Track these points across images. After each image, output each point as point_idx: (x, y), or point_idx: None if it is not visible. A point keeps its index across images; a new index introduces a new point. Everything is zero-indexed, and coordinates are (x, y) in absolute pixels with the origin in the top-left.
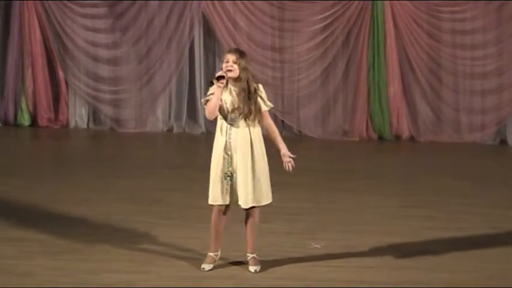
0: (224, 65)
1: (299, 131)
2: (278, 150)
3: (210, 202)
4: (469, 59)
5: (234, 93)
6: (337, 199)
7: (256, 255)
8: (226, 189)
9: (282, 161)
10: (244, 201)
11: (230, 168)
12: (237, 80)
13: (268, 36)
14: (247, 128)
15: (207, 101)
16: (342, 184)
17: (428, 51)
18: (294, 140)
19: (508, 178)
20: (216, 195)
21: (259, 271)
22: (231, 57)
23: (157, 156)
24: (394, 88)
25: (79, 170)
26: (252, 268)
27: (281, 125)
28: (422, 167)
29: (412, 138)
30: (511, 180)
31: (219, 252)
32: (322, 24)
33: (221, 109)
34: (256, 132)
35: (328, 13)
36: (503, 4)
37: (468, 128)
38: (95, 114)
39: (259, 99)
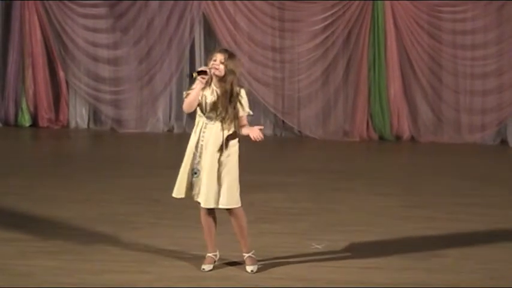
0: (211, 63)
1: (299, 131)
2: (247, 135)
3: (173, 195)
4: (470, 59)
5: (215, 93)
6: (338, 199)
7: (253, 254)
8: (193, 184)
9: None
10: (204, 200)
11: (198, 166)
12: (221, 80)
13: (269, 37)
14: (221, 131)
15: (188, 94)
16: (342, 184)
17: (429, 52)
18: (294, 140)
19: (508, 178)
20: (180, 188)
21: (258, 271)
22: (219, 57)
23: (157, 156)
24: (395, 88)
25: (79, 170)
26: (248, 268)
27: (282, 126)
28: (423, 167)
29: (412, 138)
30: (511, 180)
31: (217, 253)
32: (322, 25)
33: (200, 106)
34: (231, 135)
35: (328, 13)
36: (504, 4)
37: (468, 129)
38: (95, 115)
39: (238, 104)
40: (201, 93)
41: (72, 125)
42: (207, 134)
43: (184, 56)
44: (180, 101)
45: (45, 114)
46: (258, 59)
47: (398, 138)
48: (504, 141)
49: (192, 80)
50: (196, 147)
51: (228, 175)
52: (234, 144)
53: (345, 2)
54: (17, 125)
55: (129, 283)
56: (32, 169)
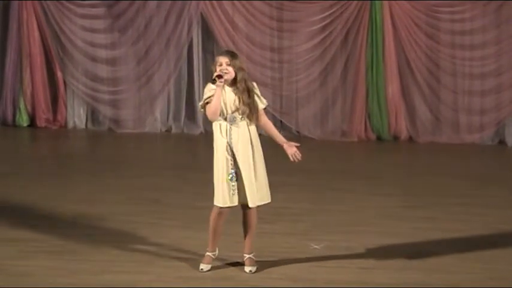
0: (218, 69)
1: (298, 131)
2: (280, 144)
3: (220, 205)
4: (468, 59)
5: (232, 94)
6: (336, 200)
7: (253, 255)
8: (233, 190)
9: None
10: (251, 200)
11: (234, 169)
12: (234, 81)
13: (267, 37)
14: (246, 128)
15: (206, 103)
16: (340, 185)
17: (427, 52)
18: (292, 140)
19: (507, 178)
20: (225, 197)
21: (256, 271)
22: (223, 60)
23: (155, 156)
24: (393, 88)
25: (78, 170)
26: (247, 268)
27: (280, 126)
28: (421, 167)
29: (410, 138)
30: (510, 180)
31: (216, 252)
32: (320, 25)
33: (220, 110)
34: (254, 131)
35: (326, 13)
36: (502, 4)
37: (467, 129)
38: (93, 115)
39: (256, 97)
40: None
41: (70, 125)
42: (235, 135)
43: (182, 56)
44: (178, 101)
45: (43, 115)
46: (256, 59)
47: (396, 138)
48: (502, 142)
49: (207, 87)
50: (227, 150)
51: (262, 170)
52: (258, 138)
53: (343, 2)
54: (15, 125)
55: (129, 283)
56: (30, 169)
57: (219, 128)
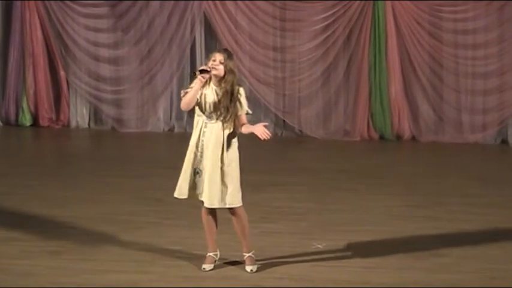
0: (210, 63)
1: (300, 131)
2: (251, 132)
3: (175, 195)
4: (471, 58)
5: (216, 93)
6: (339, 199)
7: (253, 254)
8: (196, 184)
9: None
10: (208, 200)
11: (200, 166)
12: (221, 80)
13: (270, 36)
14: (222, 131)
15: (186, 93)
16: (343, 184)
17: (430, 51)
18: (295, 140)
19: (509, 178)
20: (182, 189)
21: (257, 270)
22: (218, 57)
23: (158, 156)
24: (396, 88)
25: (80, 170)
26: (248, 268)
27: (282, 125)
28: (424, 167)
29: (413, 138)
30: None
31: (218, 252)
32: (323, 24)
33: (200, 105)
34: (231, 133)
35: (329, 13)
36: (505, 4)
37: (470, 128)
38: (96, 114)
39: (237, 103)
40: (200, 92)
41: (73, 124)
42: (208, 133)
43: (185, 55)
44: (181, 100)
45: (46, 114)
46: (259, 59)
47: (399, 137)
48: (505, 141)
49: (192, 78)
50: (197, 146)
51: (230, 174)
52: (234, 142)
53: (345, 2)
54: (17, 124)
55: (130, 283)
56: (32, 169)
57: (196, 123)
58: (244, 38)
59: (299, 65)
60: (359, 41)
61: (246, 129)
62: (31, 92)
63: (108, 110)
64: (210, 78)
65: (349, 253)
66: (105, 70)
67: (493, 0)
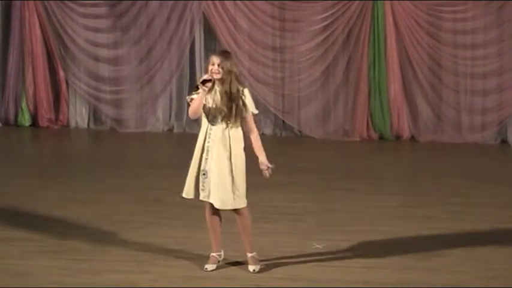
0: (210, 67)
1: (300, 131)
2: (256, 158)
3: (183, 195)
4: (470, 58)
5: (217, 94)
6: (338, 199)
7: (256, 254)
8: (203, 186)
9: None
10: (220, 202)
11: (207, 167)
12: (220, 81)
13: (269, 36)
14: (226, 130)
15: (192, 99)
16: (342, 184)
17: (429, 51)
18: (294, 140)
19: (509, 178)
20: (189, 189)
21: (259, 271)
22: (216, 60)
23: (157, 156)
24: (395, 88)
25: (79, 170)
26: (251, 268)
27: (282, 125)
28: (423, 167)
29: (412, 138)
30: (511, 179)
31: (221, 253)
32: (322, 24)
33: (204, 108)
34: (236, 134)
35: (328, 13)
36: (504, 4)
37: (469, 128)
38: (95, 114)
39: (241, 104)
40: (205, 97)
41: (72, 124)
42: (213, 134)
43: (184, 55)
44: (180, 100)
45: (45, 114)
46: (258, 59)
47: (398, 137)
48: (504, 141)
49: (195, 91)
50: (203, 148)
51: (237, 174)
52: (240, 143)
53: (345, 2)
54: (17, 124)
55: (130, 283)
56: (31, 169)
57: (203, 126)
58: (243, 38)
59: (298, 65)
60: (358, 41)
61: (257, 151)
62: (30, 92)
63: (107, 110)
64: (214, 83)
65: (348, 253)
66: (105, 70)
67: (492, 0)
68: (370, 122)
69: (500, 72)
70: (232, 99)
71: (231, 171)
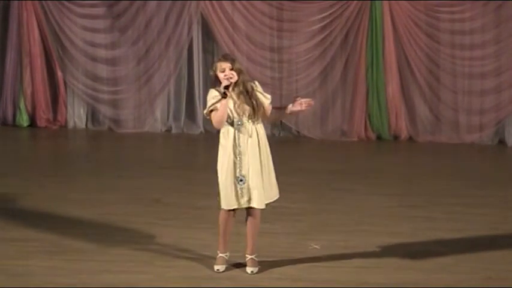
0: (222, 75)
1: (297, 131)
2: (290, 112)
3: (223, 207)
4: (468, 59)
5: (235, 97)
6: (336, 199)
7: (256, 257)
8: (241, 192)
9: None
10: (258, 201)
11: (243, 172)
12: (235, 84)
13: (267, 37)
14: (253, 127)
15: (212, 110)
16: (340, 184)
17: (427, 52)
18: (292, 140)
19: (507, 178)
20: (229, 200)
21: (257, 272)
22: (226, 66)
23: (155, 156)
24: (393, 88)
25: (78, 170)
26: (249, 269)
27: (279, 126)
28: (421, 167)
29: (410, 138)
30: (510, 180)
31: (228, 253)
32: (320, 25)
33: (228, 116)
34: (261, 128)
35: (326, 13)
36: (502, 4)
37: (467, 128)
38: (93, 115)
39: (259, 95)
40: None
41: (70, 125)
42: (243, 139)
43: (182, 56)
44: (178, 100)
45: (43, 114)
46: (256, 59)
47: (396, 138)
48: (502, 141)
49: (224, 97)
50: (235, 154)
51: (269, 168)
52: (265, 136)
53: (342, 2)
54: (15, 125)
55: (129, 283)
56: (30, 169)
57: (227, 133)
58: (241, 38)
59: (296, 65)
60: (356, 42)
61: (283, 110)
62: (28, 92)
63: (105, 111)
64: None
65: (346, 253)
66: (102, 70)
67: (490, 0)
68: (368, 122)
69: (498, 73)
70: (251, 96)
71: (263, 167)
